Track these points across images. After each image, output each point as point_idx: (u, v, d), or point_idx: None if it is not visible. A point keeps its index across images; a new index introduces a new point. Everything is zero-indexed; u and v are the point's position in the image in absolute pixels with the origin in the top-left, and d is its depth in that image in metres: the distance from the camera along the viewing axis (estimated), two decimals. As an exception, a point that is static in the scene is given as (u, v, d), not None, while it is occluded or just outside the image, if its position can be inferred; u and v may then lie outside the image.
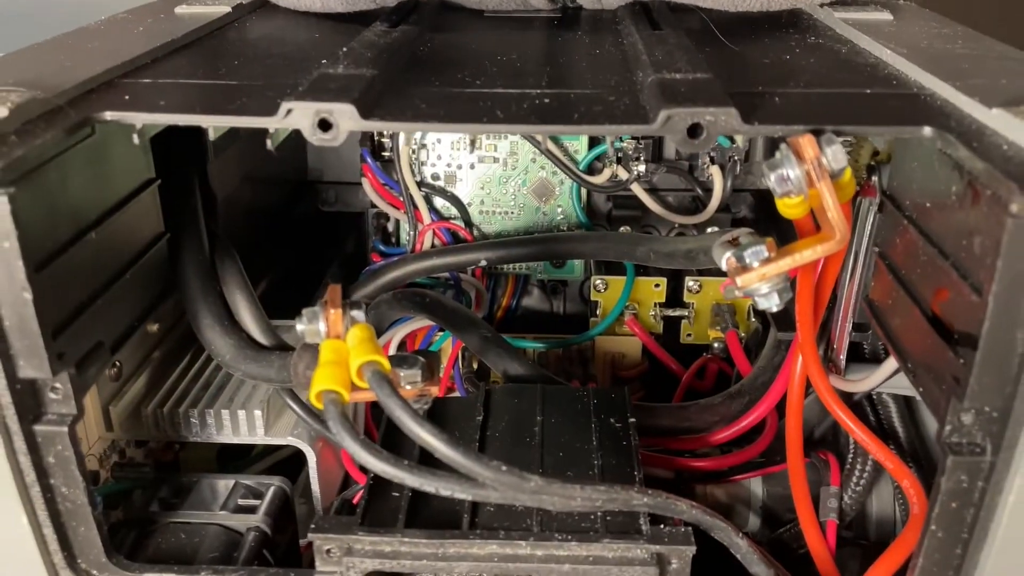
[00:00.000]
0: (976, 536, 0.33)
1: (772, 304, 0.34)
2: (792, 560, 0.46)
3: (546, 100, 0.37)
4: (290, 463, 0.52)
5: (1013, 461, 0.31)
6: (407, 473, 0.32)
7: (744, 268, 0.34)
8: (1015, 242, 0.28)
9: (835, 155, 0.32)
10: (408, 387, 0.36)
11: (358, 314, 0.35)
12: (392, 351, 0.58)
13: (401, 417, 0.31)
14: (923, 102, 0.36)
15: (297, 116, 0.34)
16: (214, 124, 0.35)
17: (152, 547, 0.41)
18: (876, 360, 0.48)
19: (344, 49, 0.43)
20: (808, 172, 0.32)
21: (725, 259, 0.37)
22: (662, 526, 0.36)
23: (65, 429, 0.33)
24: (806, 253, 0.33)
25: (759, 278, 0.33)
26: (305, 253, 0.66)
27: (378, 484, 0.39)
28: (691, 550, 0.35)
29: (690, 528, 0.36)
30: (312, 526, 0.36)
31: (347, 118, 0.34)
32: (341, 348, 0.34)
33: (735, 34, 0.51)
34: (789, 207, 0.36)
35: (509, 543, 0.35)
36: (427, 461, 0.35)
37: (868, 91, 0.37)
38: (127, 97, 0.36)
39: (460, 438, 0.43)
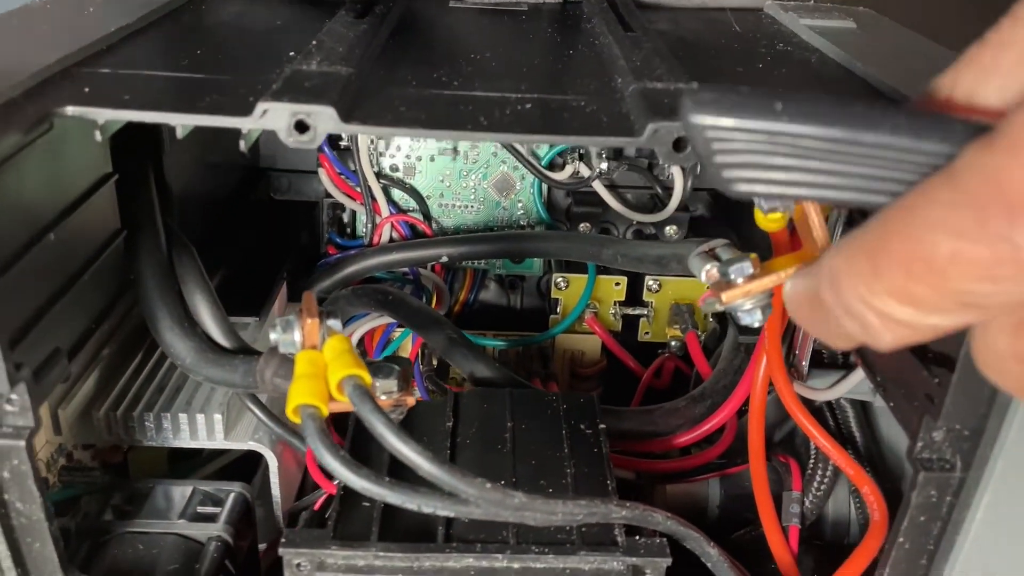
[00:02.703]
0: (942, 548, 0.34)
1: (755, 320, 0.34)
2: (751, 563, 0.46)
3: (528, 106, 0.36)
4: (240, 465, 0.51)
5: (983, 479, 0.32)
6: (388, 490, 0.31)
7: (728, 284, 0.34)
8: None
9: None
10: (384, 398, 0.36)
11: (335, 324, 0.34)
12: (350, 348, 0.57)
13: (384, 434, 0.30)
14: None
15: (272, 117, 0.32)
16: (185, 123, 0.33)
17: (108, 559, 0.40)
18: (835, 366, 0.49)
19: (314, 43, 0.41)
20: None
21: (705, 271, 0.37)
22: (637, 537, 0.36)
23: (22, 443, 0.32)
24: (791, 271, 0.33)
25: (743, 294, 0.33)
26: (256, 244, 0.64)
27: (348, 494, 0.38)
28: (666, 561, 0.35)
29: (665, 540, 0.36)
30: (283, 540, 0.35)
31: (326, 120, 0.32)
32: (317, 360, 0.33)
33: (701, 39, 0.51)
34: (770, 221, 0.36)
35: (486, 556, 0.35)
36: (396, 470, 0.34)
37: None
38: (87, 90, 0.34)
39: (431, 445, 0.42)
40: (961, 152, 0.21)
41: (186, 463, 0.52)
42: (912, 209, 0.21)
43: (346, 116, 0.32)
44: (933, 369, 0.33)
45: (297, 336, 0.33)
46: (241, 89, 0.35)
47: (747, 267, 0.34)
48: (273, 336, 0.34)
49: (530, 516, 0.32)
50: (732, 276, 0.34)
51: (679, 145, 0.33)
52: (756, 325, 0.35)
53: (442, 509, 0.31)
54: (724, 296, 0.34)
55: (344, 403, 0.32)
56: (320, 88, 0.34)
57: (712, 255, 0.39)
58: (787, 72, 0.44)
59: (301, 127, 0.33)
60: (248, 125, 0.33)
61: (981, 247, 0.19)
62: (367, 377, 0.32)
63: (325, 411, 0.31)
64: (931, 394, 0.33)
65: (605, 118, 0.35)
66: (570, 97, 0.37)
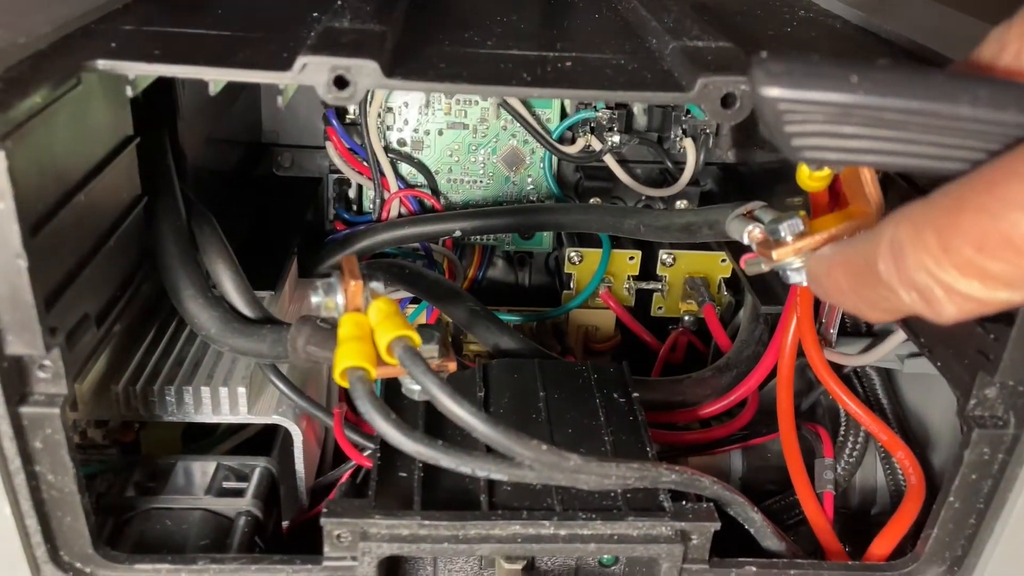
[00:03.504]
0: (993, 506, 0.34)
1: (804, 278, 0.33)
2: (784, 530, 0.46)
3: (568, 64, 0.35)
4: (255, 443, 0.50)
5: (1039, 434, 0.32)
6: (442, 454, 0.30)
7: (777, 243, 0.33)
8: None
9: None
10: (426, 363, 0.35)
11: (378, 286, 0.33)
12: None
13: (438, 396, 0.29)
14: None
15: (312, 72, 0.31)
16: (220, 78, 0.32)
17: (135, 535, 0.38)
18: (860, 333, 0.49)
19: (340, 2, 0.40)
20: None
21: (747, 232, 0.37)
22: (684, 502, 0.36)
23: (56, 411, 0.30)
24: (843, 227, 0.33)
25: (794, 252, 0.33)
26: (262, 220, 0.62)
27: (385, 464, 0.37)
28: (715, 526, 0.35)
29: (712, 504, 0.36)
30: (325, 511, 0.34)
31: (367, 75, 0.31)
32: (363, 322, 0.32)
33: (722, 4, 0.51)
34: (815, 179, 0.35)
35: (532, 523, 0.34)
36: (431, 432, 0.33)
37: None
38: (113, 45, 0.33)
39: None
40: None
41: (198, 442, 0.51)
42: (990, 184, 0.20)
43: (388, 71, 0.31)
44: (988, 325, 0.32)
45: (340, 299, 0.32)
46: (272, 45, 0.34)
47: (798, 224, 0.33)
48: (315, 299, 0.32)
49: (584, 479, 0.31)
50: (782, 234, 0.33)
51: (727, 101, 0.32)
52: (805, 283, 0.34)
53: (496, 472, 0.31)
54: (775, 254, 0.33)
55: (393, 366, 0.31)
56: (358, 43, 0.33)
57: (752, 217, 0.38)
58: (816, 35, 0.44)
59: (341, 82, 0.31)
60: (287, 80, 0.31)
61: None
62: (417, 339, 0.31)
63: (374, 374, 0.30)
64: (985, 351, 0.32)
65: (649, 75, 0.34)
66: (608, 56, 0.37)
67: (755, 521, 0.38)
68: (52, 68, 0.30)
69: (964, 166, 0.23)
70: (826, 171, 0.34)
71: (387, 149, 0.62)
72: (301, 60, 0.31)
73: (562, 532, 0.34)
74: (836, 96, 0.22)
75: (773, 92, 0.22)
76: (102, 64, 0.31)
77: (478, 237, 0.64)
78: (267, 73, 0.31)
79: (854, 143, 0.23)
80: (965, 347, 0.34)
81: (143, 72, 0.31)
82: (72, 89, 0.32)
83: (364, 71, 0.31)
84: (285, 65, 0.31)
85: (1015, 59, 0.23)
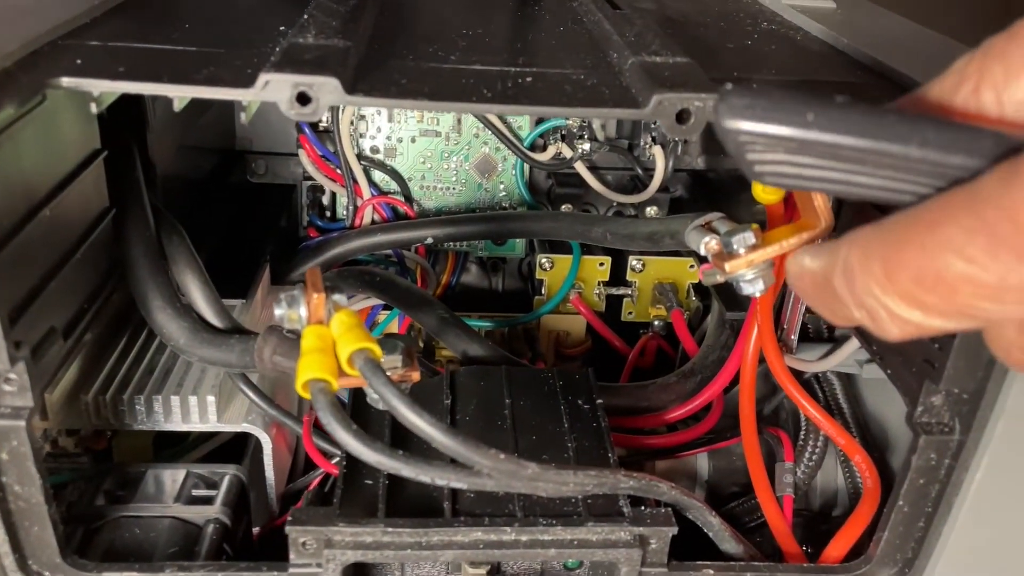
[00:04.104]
0: (940, 510, 0.35)
1: (756, 290, 0.34)
2: (745, 532, 0.47)
3: (529, 79, 0.36)
4: (226, 451, 0.50)
5: (982, 440, 0.33)
6: (402, 464, 0.31)
7: (730, 255, 0.34)
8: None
9: None
10: (389, 373, 0.35)
11: (340, 298, 0.34)
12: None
13: (398, 407, 0.30)
14: (893, 88, 0.37)
15: (274, 89, 0.32)
16: (183, 95, 0.32)
17: (104, 544, 0.39)
18: (822, 339, 0.50)
19: (305, 16, 0.40)
20: None
21: (703, 243, 0.38)
22: (642, 508, 0.37)
23: (22, 423, 0.31)
24: (792, 240, 0.34)
25: (747, 264, 0.34)
26: (235, 227, 0.63)
27: (351, 472, 0.38)
28: (672, 531, 0.36)
29: (670, 509, 0.37)
30: (289, 519, 0.34)
31: (329, 92, 0.32)
32: (325, 334, 0.32)
33: (687, 17, 0.52)
34: (768, 193, 0.36)
35: (494, 529, 0.35)
36: (397, 443, 0.34)
37: (851, 80, 0.38)
38: (79, 61, 0.33)
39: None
40: (986, 174, 0.21)
41: (170, 450, 0.51)
42: (931, 225, 0.21)
43: (350, 88, 0.32)
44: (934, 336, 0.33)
45: (303, 311, 0.33)
46: (237, 61, 0.34)
47: (749, 237, 0.34)
48: (278, 312, 0.33)
49: (542, 486, 0.32)
50: (735, 246, 0.35)
51: (682, 117, 0.33)
52: (758, 294, 0.35)
53: (456, 481, 0.31)
54: (728, 266, 0.34)
55: (355, 377, 0.31)
56: (321, 60, 0.34)
57: (709, 228, 0.39)
58: (776, 49, 0.45)
59: (303, 99, 0.32)
60: (249, 97, 0.32)
61: (990, 274, 0.20)
62: (378, 351, 0.31)
63: (336, 385, 0.31)
64: (931, 359, 0.33)
65: (607, 91, 0.35)
66: (569, 71, 0.37)
67: (713, 525, 0.39)
68: (17, 87, 0.30)
69: (915, 199, 0.24)
70: (779, 185, 0.35)
71: (360, 156, 0.62)
72: (264, 77, 0.31)
73: (523, 538, 0.35)
74: (793, 132, 0.23)
75: (735, 124, 0.23)
76: (67, 81, 0.31)
77: (451, 243, 0.65)
78: (230, 90, 0.32)
79: (810, 172, 0.24)
80: (913, 356, 0.35)
81: (107, 89, 0.32)
82: (37, 106, 0.32)
83: (326, 88, 0.32)
84: (248, 82, 0.32)
85: (972, 94, 0.24)
